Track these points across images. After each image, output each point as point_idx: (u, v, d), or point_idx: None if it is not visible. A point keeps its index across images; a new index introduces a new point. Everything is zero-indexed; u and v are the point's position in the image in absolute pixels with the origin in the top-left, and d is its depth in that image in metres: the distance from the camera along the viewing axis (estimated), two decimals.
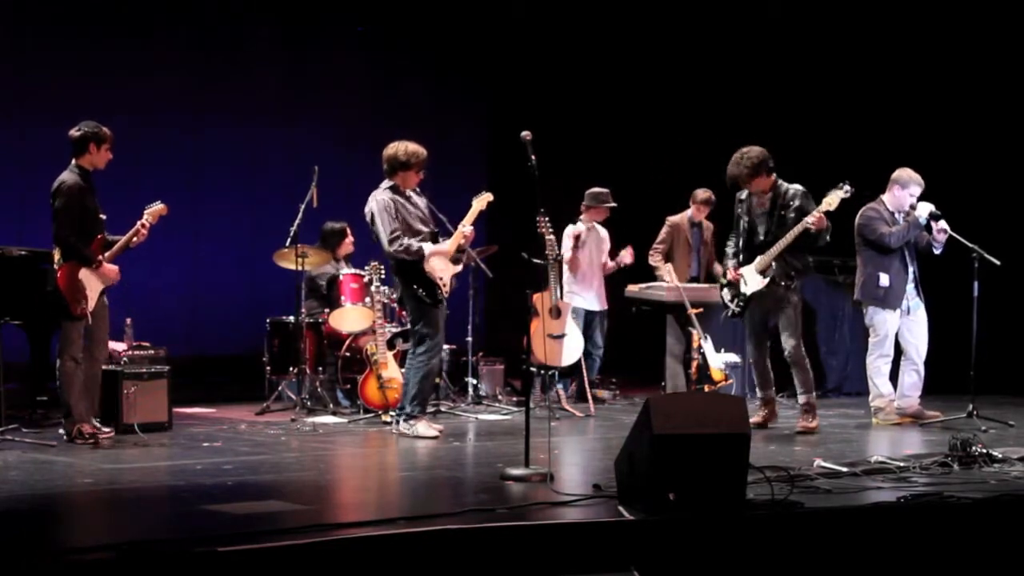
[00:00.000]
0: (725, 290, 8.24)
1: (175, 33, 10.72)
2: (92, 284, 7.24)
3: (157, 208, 7.47)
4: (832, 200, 7.83)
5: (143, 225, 7.37)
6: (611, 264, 9.81)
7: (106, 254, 7.31)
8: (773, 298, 8.00)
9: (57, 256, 7.24)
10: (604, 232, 9.88)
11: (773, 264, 7.93)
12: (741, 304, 8.09)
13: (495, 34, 12.13)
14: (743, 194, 8.13)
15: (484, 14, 11.98)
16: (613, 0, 12.17)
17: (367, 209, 7.65)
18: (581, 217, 9.69)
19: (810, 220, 7.76)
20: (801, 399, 8.10)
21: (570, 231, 9.59)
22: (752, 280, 8.01)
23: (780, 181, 8.03)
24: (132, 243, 7.43)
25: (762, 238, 8.00)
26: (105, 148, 7.29)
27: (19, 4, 10.01)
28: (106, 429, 7.45)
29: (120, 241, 7.37)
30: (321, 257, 9.34)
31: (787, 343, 8.04)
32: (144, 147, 10.17)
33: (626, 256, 9.72)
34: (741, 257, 8.12)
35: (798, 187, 8.02)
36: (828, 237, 7.92)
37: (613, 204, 9.67)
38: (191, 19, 10.81)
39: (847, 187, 7.85)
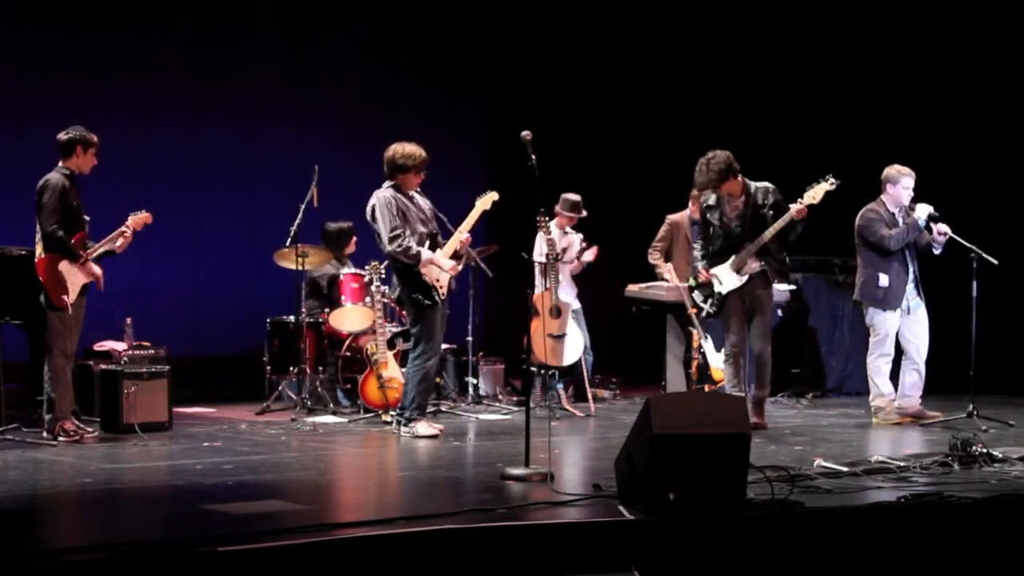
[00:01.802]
0: (696, 292, 8.23)
1: (175, 33, 10.70)
2: (73, 278, 7.28)
3: (141, 216, 7.59)
4: (817, 193, 7.86)
5: (127, 228, 7.44)
6: (576, 264, 9.72)
7: (85, 253, 7.35)
8: (752, 295, 8.03)
9: (39, 249, 7.29)
10: (575, 235, 9.80)
11: (751, 262, 7.94)
12: (716, 304, 8.09)
13: (495, 34, 12.12)
14: (712, 199, 8.12)
15: (484, 14, 11.97)
16: (613, 0, 12.18)
17: (369, 206, 7.65)
18: (555, 221, 9.62)
19: (794, 209, 7.79)
20: (757, 394, 8.09)
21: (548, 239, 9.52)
22: (728, 279, 8.02)
23: (747, 181, 8.04)
24: (117, 248, 7.49)
25: (741, 237, 8.00)
26: (91, 153, 7.39)
27: (19, 4, 10.00)
28: (88, 429, 7.47)
29: (98, 244, 7.41)
30: (321, 257, 9.34)
31: (757, 343, 8.07)
32: (144, 147, 10.16)
33: (589, 254, 9.61)
34: (708, 261, 8.11)
35: (768, 184, 8.06)
36: (800, 231, 7.95)
37: (582, 214, 9.58)
38: (191, 19, 10.80)
39: (832, 180, 7.85)
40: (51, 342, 7.28)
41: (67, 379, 7.30)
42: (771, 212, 7.94)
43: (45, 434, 7.23)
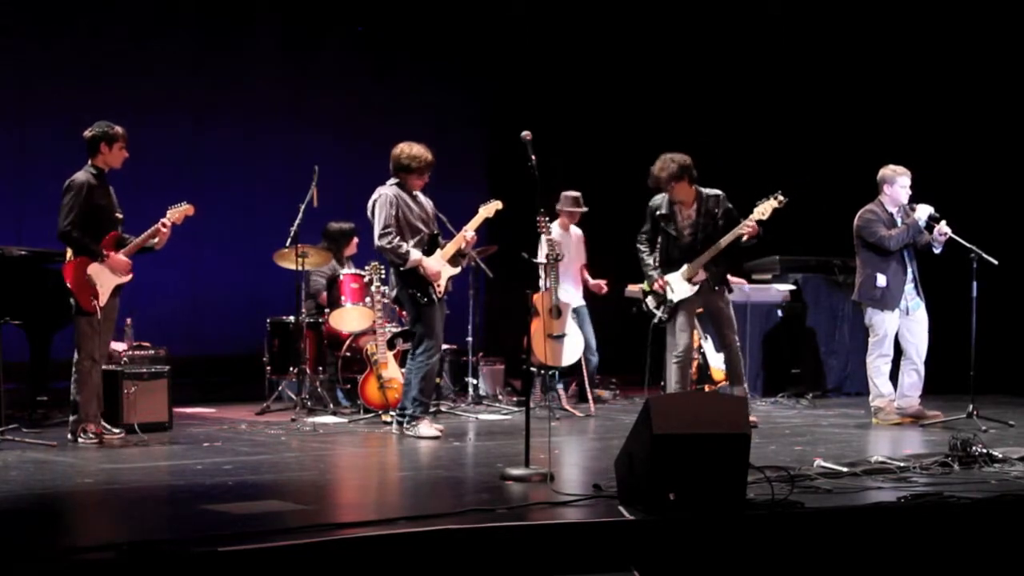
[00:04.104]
0: (649, 298, 8.23)
1: (175, 33, 10.70)
2: (102, 280, 7.23)
3: (182, 208, 7.45)
4: (765, 209, 7.89)
5: (163, 224, 7.36)
6: (592, 282, 9.72)
7: (121, 251, 7.30)
8: (707, 297, 8.05)
9: (69, 254, 7.24)
10: (579, 232, 9.79)
11: (701, 272, 7.95)
12: (668, 312, 8.10)
13: (495, 33, 12.12)
14: (663, 207, 8.11)
15: (484, 13, 11.97)
16: None
17: (371, 201, 7.67)
18: (556, 221, 9.60)
19: (744, 230, 7.82)
20: (738, 391, 8.10)
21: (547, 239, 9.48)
22: (680, 288, 8.03)
23: (700, 189, 8.04)
24: (155, 245, 7.41)
25: (693, 246, 7.99)
26: (118, 147, 7.32)
27: (19, 4, 10.01)
28: (116, 431, 7.46)
29: (135, 240, 7.35)
30: (321, 257, 9.34)
31: (729, 336, 8.08)
32: (144, 147, 10.08)
33: (601, 287, 9.68)
34: (662, 269, 8.10)
35: (719, 192, 8.06)
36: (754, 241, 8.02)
37: (583, 209, 9.58)
38: (191, 19, 10.80)
39: (781, 197, 7.86)
40: (79, 345, 7.22)
41: (92, 383, 7.25)
42: (723, 222, 7.98)
43: (68, 435, 7.20)
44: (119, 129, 7.33)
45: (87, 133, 7.30)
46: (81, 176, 7.23)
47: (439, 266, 7.64)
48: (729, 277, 9.52)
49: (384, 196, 7.62)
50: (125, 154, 7.37)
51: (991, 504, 5.25)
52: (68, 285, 7.15)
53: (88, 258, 7.18)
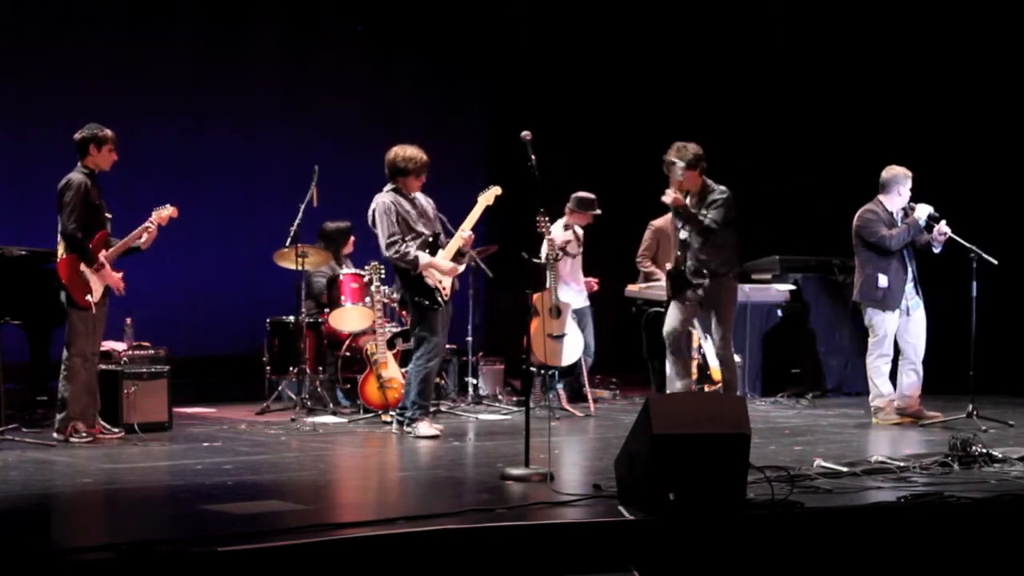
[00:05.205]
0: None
1: (175, 33, 10.70)
2: (95, 278, 7.25)
3: (166, 211, 7.49)
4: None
5: (150, 224, 7.39)
6: (584, 280, 9.67)
7: (107, 251, 7.32)
8: (708, 294, 7.81)
9: (60, 250, 7.25)
10: (579, 232, 9.76)
11: (689, 260, 7.76)
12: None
13: (495, 33, 12.12)
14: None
15: (484, 13, 11.97)
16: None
17: (370, 211, 7.68)
18: (564, 220, 9.55)
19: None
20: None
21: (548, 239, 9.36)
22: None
23: (708, 182, 7.86)
24: (142, 245, 7.45)
25: (687, 240, 7.79)
26: (107, 149, 7.33)
27: (19, 4, 10.01)
28: (115, 430, 7.46)
29: (121, 241, 7.38)
30: (321, 257, 9.34)
31: (716, 338, 7.90)
32: (144, 147, 10.15)
33: (592, 285, 9.60)
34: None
35: (723, 188, 7.80)
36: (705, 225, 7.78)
37: (597, 211, 9.52)
38: (191, 19, 10.80)
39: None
40: (70, 341, 7.23)
41: (83, 380, 7.24)
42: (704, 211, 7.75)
43: (55, 434, 7.20)
44: (108, 131, 7.34)
45: (76, 136, 7.33)
46: (77, 176, 7.25)
47: (449, 265, 7.63)
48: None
49: (382, 204, 7.62)
50: (114, 156, 7.39)
51: (991, 504, 5.25)
52: (62, 280, 7.17)
53: (82, 259, 7.20)
